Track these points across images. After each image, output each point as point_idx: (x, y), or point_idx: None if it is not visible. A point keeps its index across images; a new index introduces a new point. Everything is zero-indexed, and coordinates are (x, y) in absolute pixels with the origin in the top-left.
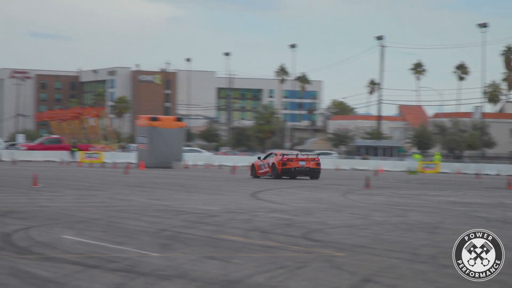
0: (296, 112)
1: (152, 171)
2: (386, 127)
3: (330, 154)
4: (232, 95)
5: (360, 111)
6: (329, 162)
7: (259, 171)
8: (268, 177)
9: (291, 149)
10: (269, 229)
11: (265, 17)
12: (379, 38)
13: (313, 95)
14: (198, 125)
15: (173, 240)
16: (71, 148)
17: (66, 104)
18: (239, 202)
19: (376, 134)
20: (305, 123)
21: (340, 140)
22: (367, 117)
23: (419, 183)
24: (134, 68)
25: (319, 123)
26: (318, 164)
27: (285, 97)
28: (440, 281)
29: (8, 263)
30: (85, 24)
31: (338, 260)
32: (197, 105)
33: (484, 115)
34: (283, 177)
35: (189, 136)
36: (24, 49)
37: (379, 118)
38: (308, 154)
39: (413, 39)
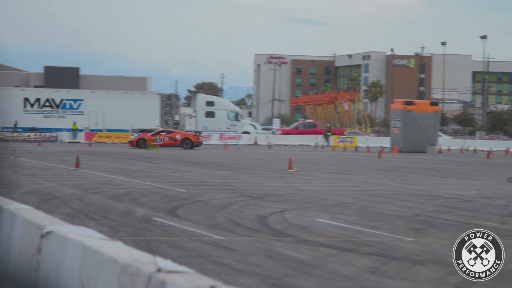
0: None
1: (406, 155)
2: None
3: None
4: (488, 79)
5: None
6: None
7: None
8: None
9: None
10: None
11: None
12: None
13: None
14: (452, 109)
15: (426, 225)
16: (326, 133)
17: (321, 88)
18: (495, 187)
19: None
20: None
21: None
22: None
23: None
24: (389, 53)
25: None
26: None
27: None
28: None
29: (264, 245)
30: (341, 10)
31: None
32: (452, 89)
33: None
34: None
35: (443, 121)
36: (281, 35)
37: None
38: None
39: None
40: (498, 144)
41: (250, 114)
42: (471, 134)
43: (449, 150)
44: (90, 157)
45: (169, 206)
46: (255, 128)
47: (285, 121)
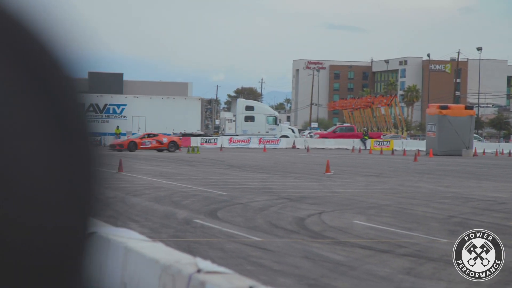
0: None
1: (441, 158)
2: None
3: None
4: None
5: None
6: None
7: None
8: None
9: None
10: None
11: None
12: None
13: None
14: (487, 113)
15: (461, 227)
16: (363, 136)
17: (358, 93)
18: None
19: None
20: None
21: None
22: None
23: None
24: (425, 58)
25: None
26: None
27: None
28: None
29: (302, 246)
30: (378, 16)
31: None
32: (487, 93)
33: None
34: None
35: (478, 124)
36: (319, 41)
37: None
38: None
39: None
40: None
41: (288, 118)
42: (506, 137)
43: (484, 153)
44: (132, 161)
45: (209, 208)
46: (293, 132)
47: (323, 125)
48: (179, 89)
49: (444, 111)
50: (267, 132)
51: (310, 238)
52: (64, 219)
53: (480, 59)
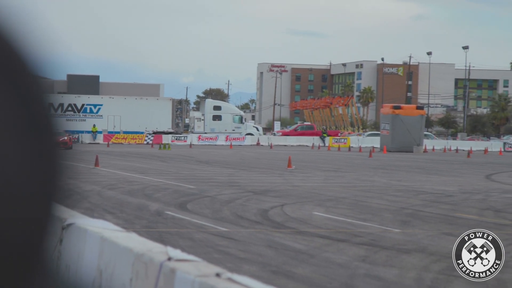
0: None
1: (394, 154)
2: None
3: None
4: (469, 85)
5: None
6: None
7: None
8: None
9: None
10: (502, 209)
11: (503, 12)
12: None
13: None
14: (437, 113)
15: (412, 218)
16: (322, 134)
17: (318, 94)
18: (474, 183)
19: None
20: None
21: None
22: None
23: None
24: (379, 62)
25: None
26: None
27: None
28: None
29: (265, 236)
30: (336, 22)
31: None
32: (437, 95)
33: None
34: None
35: (428, 123)
36: (282, 46)
37: None
38: None
39: None
40: (477, 144)
41: (253, 118)
42: (453, 135)
43: (433, 149)
44: (108, 157)
45: (180, 201)
46: (258, 130)
47: (285, 123)
48: (151, 90)
49: (397, 111)
50: (234, 130)
51: (273, 229)
52: (29, 210)
53: (430, 63)
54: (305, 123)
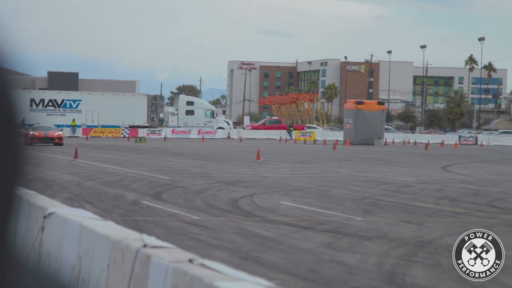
0: (483, 96)
1: (356, 147)
2: None
3: None
4: (426, 82)
5: None
6: (511, 140)
7: None
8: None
9: (477, 128)
10: (457, 198)
11: (458, 13)
12: None
13: (499, 81)
14: (396, 108)
15: (374, 206)
16: (289, 128)
17: (285, 90)
18: (431, 174)
19: None
20: (490, 106)
21: None
22: None
23: None
24: (343, 60)
25: (503, 106)
26: None
27: (473, 83)
28: None
29: (235, 224)
30: (302, 22)
31: None
32: (396, 91)
33: None
34: None
35: (389, 118)
36: (251, 44)
37: None
38: None
39: None
40: (434, 138)
41: (224, 112)
42: (412, 129)
43: (393, 142)
44: (87, 149)
45: (154, 191)
46: (228, 124)
47: (254, 118)
48: (128, 87)
49: (359, 106)
50: (205, 124)
51: (243, 217)
52: None
53: (390, 61)
54: (273, 117)
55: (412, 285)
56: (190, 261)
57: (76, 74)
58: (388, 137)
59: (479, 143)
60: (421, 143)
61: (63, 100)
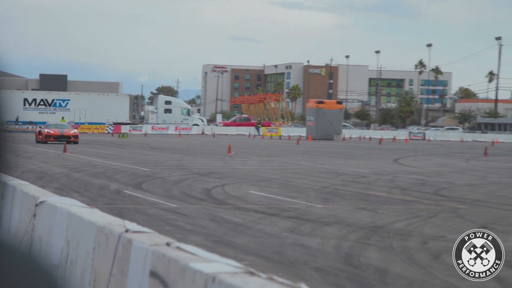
0: (430, 96)
1: (318, 142)
2: (501, 108)
3: (457, 129)
4: (380, 84)
5: (481, 95)
6: (455, 136)
7: None
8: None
9: (425, 125)
10: (407, 187)
11: (408, 23)
12: (498, 38)
13: (444, 83)
14: (353, 107)
15: (333, 195)
16: (257, 125)
17: (253, 91)
18: (384, 166)
19: (493, 114)
20: (437, 105)
21: (464, 118)
22: (486, 100)
23: None
24: (305, 63)
25: (448, 105)
26: None
27: (422, 85)
28: None
29: (208, 211)
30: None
31: (461, 211)
32: (353, 92)
33: None
34: None
35: (346, 116)
36: (224, 49)
37: (496, 101)
38: None
39: None
40: (387, 134)
41: (199, 111)
42: (367, 126)
43: (350, 138)
44: (75, 144)
45: (136, 182)
46: (202, 121)
47: (225, 116)
48: (112, 88)
49: (320, 105)
50: (182, 121)
51: (215, 205)
52: None
53: (347, 65)
54: (243, 115)
55: (367, 265)
56: (168, 244)
57: (65, 76)
58: (346, 133)
59: (427, 138)
60: (375, 138)
61: (53, 100)
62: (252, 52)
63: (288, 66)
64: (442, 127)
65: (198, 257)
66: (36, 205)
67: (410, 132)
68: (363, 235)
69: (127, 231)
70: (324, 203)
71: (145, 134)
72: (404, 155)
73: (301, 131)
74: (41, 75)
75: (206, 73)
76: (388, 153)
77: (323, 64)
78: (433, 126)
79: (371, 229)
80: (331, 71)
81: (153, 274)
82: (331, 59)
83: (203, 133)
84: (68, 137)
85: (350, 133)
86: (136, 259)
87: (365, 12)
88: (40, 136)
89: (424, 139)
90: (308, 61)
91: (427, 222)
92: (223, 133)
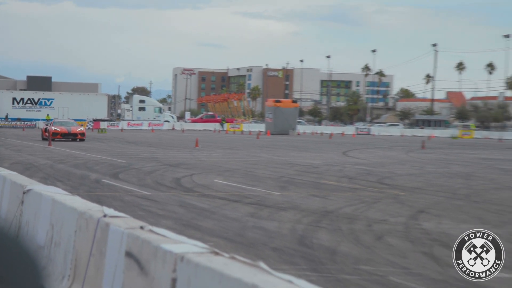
0: (375, 96)
1: (275, 137)
2: (437, 106)
3: (398, 125)
4: (330, 85)
5: (419, 95)
6: (397, 131)
7: None
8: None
9: (370, 122)
10: (354, 176)
11: (355, 30)
12: (434, 45)
13: (387, 84)
14: (307, 105)
15: (288, 184)
16: (221, 121)
17: (218, 91)
18: (334, 158)
19: (430, 111)
20: (380, 104)
21: (404, 116)
22: (424, 100)
23: (459, 145)
24: (264, 67)
25: (390, 104)
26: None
27: (367, 86)
28: (471, 212)
29: (178, 198)
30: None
31: (402, 197)
32: (307, 92)
33: (506, 98)
34: None
35: (300, 113)
36: (192, 54)
37: (432, 100)
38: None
39: (458, 45)
40: (337, 129)
41: (169, 109)
42: (319, 122)
43: (304, 133)
44: (81, 141)
45: (113, 172)
46: (173, 118)
47: (193, 113)
48: (91, 88)
49: (277, 104)
50: (154, 118)
51: (184, 192)
52: None
53: (302, 68)
54: (209, 113)
55: (318, 246)
56: (141, 227)
57: (50, 78)
58: (300, 128)
59: (371, 133)
60: (326, 133)
61: (39, 99)
62: (217, 57)
63: (249, 69)
64: (385, 123)
65: (168, 239)
66: (24, 193)
67: (357, 128)
68: (315, 219)
69: (105, 216)
70: (281, 190)
71: (122, 130)
72: (351, 148)
73: (261, 127)
74: (28, 77)
75: (176, 75)
76: (337, 147)
77: (280, 68)
78: (377, 123)
79: (322, 213)
80: (287, 74)
81: (129, 254)
82: (287, 63)
83: (173, 129)
84: (75, 134)
85: (304, 128)
86: (113, 241)
87: (318, 21)
88: (47, 134)
89: (369, 134)
90: (267, 65)
91: (372, 207)
92: (191, 129)
